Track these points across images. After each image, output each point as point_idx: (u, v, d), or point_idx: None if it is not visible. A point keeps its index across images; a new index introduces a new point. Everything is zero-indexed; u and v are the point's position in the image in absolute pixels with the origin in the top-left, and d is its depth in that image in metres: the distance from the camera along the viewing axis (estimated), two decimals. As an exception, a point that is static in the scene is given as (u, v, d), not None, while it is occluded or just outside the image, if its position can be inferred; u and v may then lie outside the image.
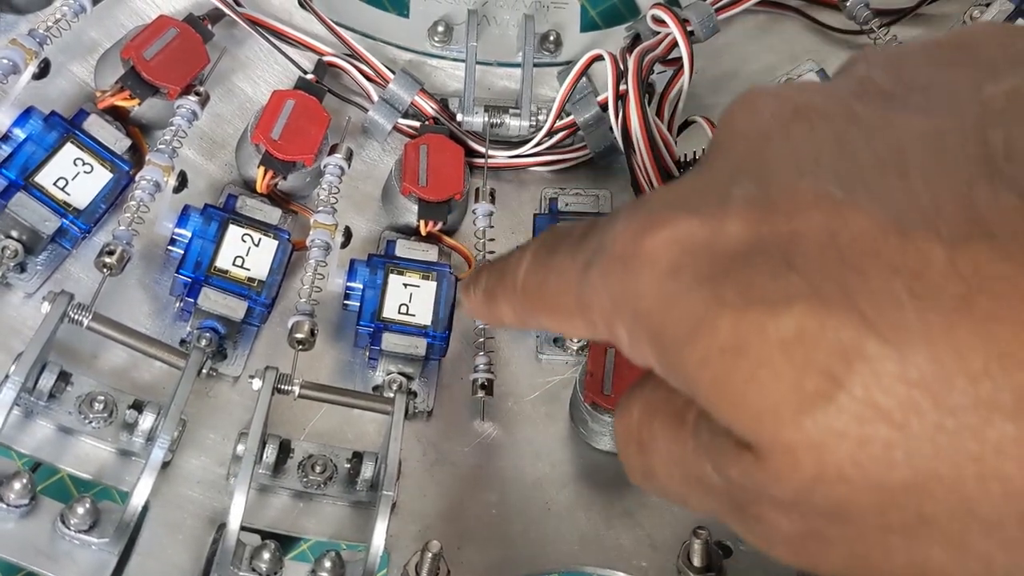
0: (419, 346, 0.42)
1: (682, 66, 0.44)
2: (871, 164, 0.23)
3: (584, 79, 0.46)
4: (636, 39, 0.47)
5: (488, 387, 0.42)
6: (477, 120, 0.47)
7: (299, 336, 0.39)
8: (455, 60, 0.50)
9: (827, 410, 0.21)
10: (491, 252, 0.44)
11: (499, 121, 0.47)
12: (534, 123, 0.47)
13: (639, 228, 0.25)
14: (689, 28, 0.45)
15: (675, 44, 0.44)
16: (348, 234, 0.44)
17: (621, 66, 0.44)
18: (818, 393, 0.21)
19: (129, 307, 0.41)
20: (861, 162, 0.23)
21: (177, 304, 0.41)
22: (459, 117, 0.47)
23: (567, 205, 0.46)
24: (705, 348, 0.23)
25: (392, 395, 0.41)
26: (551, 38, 0.50)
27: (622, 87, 0.44)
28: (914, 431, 0.21)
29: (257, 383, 0.38)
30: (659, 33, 0.45)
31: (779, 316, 0.22)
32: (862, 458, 0.21)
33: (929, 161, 0.23)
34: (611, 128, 0.45)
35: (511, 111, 0.47)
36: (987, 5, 0.47)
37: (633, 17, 0.51)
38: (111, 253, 0.38)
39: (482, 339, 0.42)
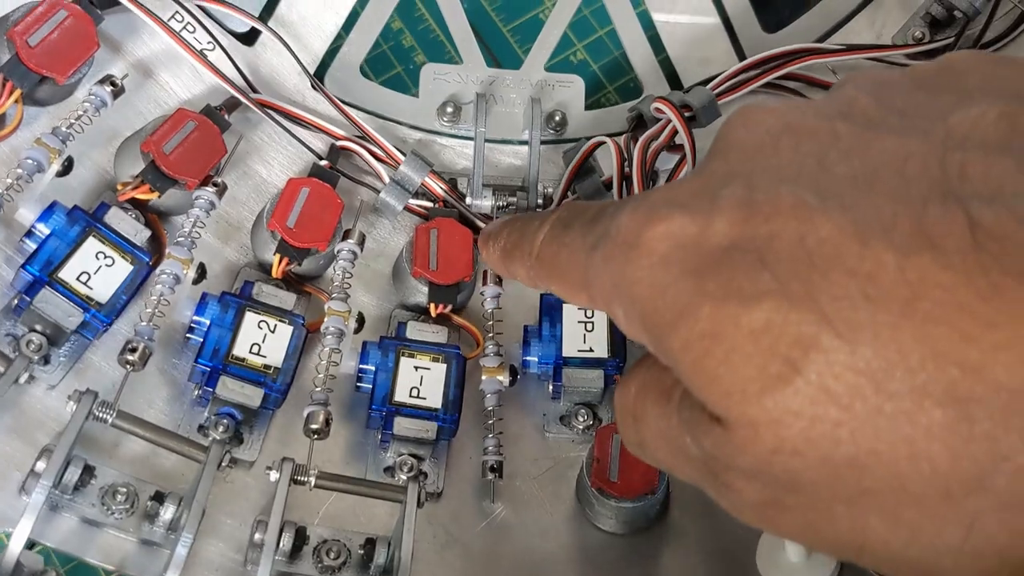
0: (430, 430, 0.43)
1: (685, 154, 0.45)
2: (845, 179, 0.26)
3: (590, 159, 0.48)
4: (639, 120, 0.48)
5: (498, 469, 0.43)
6: (486, 204, 0.48)
7: (314, 426, 0.40)
8: (463, 138, 0.51)
9: (785, 391, 0.24)
10: (499, 333, 0.45)
11: (506, 204, 0.48)
12: (541, 203, 0.48)
13: (641, 220, 0.28)
14: (691, 114, 0.46)
15: (677, 131, 0.46)
16: (361, 320, 0.45)
17: (625, 154, 0.46)
18: (779, 376, 0.24)
19: (148, 393, 0.42)
20: (837, 176, 0.26)
21: (195, 392, 0.42)
22: (468, 200, 0.48)
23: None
24: (687, 333, 0.26)
25: (404, 478, 0.42)
26: (556, 118, 0.51)
27: (626, 168, 0.45)
28: (858, 413, 0.24)
29: (274, 475, 0.39)
30: (661, 119, 0.47)
31: (751, 309, 0.25)
32: (813, 435, 0.24)
33: (895, 180, 0.25)
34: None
35: (519, 193, 0.48)
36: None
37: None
38: (133, 350, 0.39)
39: (491, 420, 0.44)
